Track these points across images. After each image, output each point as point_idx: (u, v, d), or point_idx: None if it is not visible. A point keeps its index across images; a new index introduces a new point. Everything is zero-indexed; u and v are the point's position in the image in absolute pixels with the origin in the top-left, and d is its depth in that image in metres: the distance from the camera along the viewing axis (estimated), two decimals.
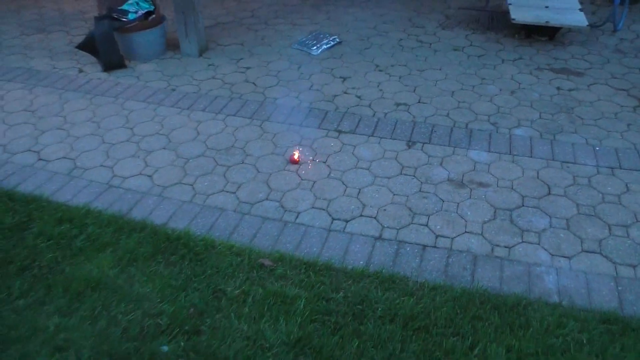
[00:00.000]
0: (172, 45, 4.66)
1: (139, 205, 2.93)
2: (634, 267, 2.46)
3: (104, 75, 4.30)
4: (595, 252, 2.54)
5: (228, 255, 2.54)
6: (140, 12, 4.38)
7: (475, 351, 2.04)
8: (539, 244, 2.60)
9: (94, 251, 2.57)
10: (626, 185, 2.96)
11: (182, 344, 2.13)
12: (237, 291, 2.35)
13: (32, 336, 2.18)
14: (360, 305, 2.26)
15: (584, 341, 2.06)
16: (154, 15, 4.40)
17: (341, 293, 2.33)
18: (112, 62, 4.31)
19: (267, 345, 2.11)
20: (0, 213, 2.81)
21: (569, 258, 2.52)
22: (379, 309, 2.23)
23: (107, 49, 4.24)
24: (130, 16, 4.35)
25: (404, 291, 2.33)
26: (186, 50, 4.56)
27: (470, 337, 2.09)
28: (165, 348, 2.12)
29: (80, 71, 4.38)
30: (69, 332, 2.18)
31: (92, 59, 4.45)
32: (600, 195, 2.89)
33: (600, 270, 2.45)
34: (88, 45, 4.30)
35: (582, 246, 2.58)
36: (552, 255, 2.54)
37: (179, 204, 2.93)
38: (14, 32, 5.15)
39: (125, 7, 4.39)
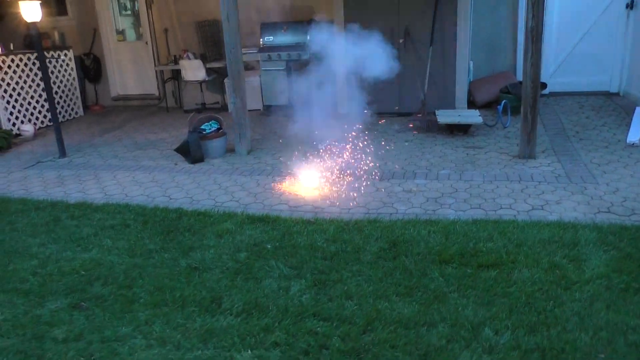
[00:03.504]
0: (229, 150, 7.39)
1: (235, 211, 5.36)
2: (495, 210, 4.91)
3: (191, 166, 6.93)
4: (478, 208, 5.00)
5: (290, 220, 4.94)
6: (213, 129, 7.20)
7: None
8: (449, 208, 5.06)
9: (221, 222, 4.96)
10: (497, 185, 5.51)
11: (277, 243, 4.46)
12: (298, 229, 4.72)
13: (200, 245, 4.49)
14: (360, 227, 4.64)
15: (457, 228, 4.46)
16: (221, 130, 7.21)
17: (351, 225, 4.71)
18: (197, 158, 6.98)
19: (319, 242, 4.44)
20: (161, 213, 5.24)
21: (464, 211, 4.97)
22: (369, 227, 4.62)
23: (195, 149, 6.94)
24: (207, 131, 7.15)
25: (381, 224, 4.73)
26: (239, 151, 7.29)
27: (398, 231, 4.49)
28: (269, 246, 4.44)
29: (176, 164, 7.03)
30: (219, 244, 4.50)
31: (181, 159, 7.13)
32: (484, 190, 5.43)
33: (479, 215, 4.88)
34: (182, 148, 7.00)
35: (471, 207, 5.05)
36: (456, 211, 4.99)
37: (256, 210, 5.36)
38: (122, 150, 7.90)
39: (203, 126, 7.22)
